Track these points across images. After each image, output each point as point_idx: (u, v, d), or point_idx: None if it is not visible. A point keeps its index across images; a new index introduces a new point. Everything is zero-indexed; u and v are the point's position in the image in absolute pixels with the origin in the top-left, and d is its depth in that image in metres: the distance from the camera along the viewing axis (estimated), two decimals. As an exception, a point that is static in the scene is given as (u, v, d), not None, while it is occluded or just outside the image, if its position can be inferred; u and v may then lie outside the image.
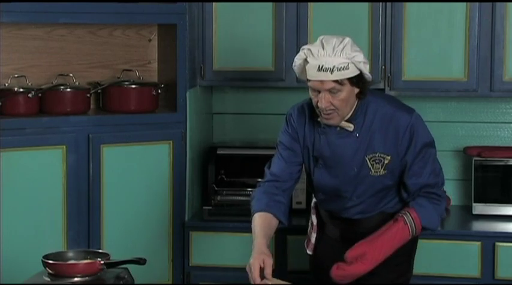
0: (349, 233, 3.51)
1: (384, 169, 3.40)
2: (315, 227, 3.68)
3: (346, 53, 3.23)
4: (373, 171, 3.40)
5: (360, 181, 3.43)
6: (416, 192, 3.41)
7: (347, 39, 3.27)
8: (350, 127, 3.38)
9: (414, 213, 3.36)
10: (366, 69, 3.29)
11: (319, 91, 3.27)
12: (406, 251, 3.49)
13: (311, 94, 3.32)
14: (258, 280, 3.17)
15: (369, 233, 3.36)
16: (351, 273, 3.31)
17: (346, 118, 3.36)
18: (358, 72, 3.27)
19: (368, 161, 3.40)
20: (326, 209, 3.60)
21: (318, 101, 3.28)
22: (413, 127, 3.37)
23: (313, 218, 3.69)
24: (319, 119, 3.38)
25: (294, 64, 3.35)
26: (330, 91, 3.25)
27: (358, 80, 3.29)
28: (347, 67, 3.23)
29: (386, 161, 3.39)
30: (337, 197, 3.49)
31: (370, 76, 3.34)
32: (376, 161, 3.40)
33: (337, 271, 3.31)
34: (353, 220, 3.51)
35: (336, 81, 3.23)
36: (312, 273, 3.69)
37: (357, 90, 3.31)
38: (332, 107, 3.28)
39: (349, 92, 3.28)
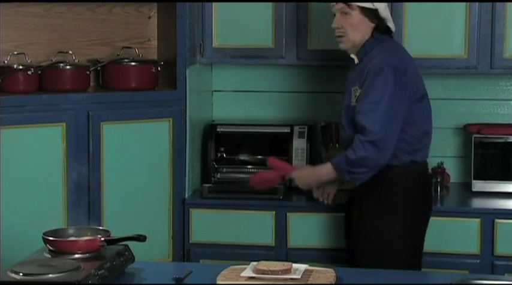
0: None
1: (356, 101, 3.69)
2: None
3: None
4: (353, 101, 3.70)
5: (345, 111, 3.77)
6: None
7: None
8: (356, 59, 3.80)
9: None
10: (384, 11, 3.74)
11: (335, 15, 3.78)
12: (389, 202, 3.74)
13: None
14: None
15: None
16: (262, 176, 4.01)
17: (356, 50, 3.78)
18: (373, 7, 3.72)
19: (352, 91, 3.72)
20: None
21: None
22: (372, 68, 3.65)
23: None
24: None
25: None
26: (342, 13, 3.73)
27: (371, 13, 3.73)
28: None
29: (357, 93, 3.69)
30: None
31: (389, 19, 3.78)
32: (355, 93, 3.72)
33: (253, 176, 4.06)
34: None
35: (346, 3, 3.71)
36: None
37: (371, 25, 3.75)
38: (342, 30, 3.76)
39: (359, 20, 3.74)
